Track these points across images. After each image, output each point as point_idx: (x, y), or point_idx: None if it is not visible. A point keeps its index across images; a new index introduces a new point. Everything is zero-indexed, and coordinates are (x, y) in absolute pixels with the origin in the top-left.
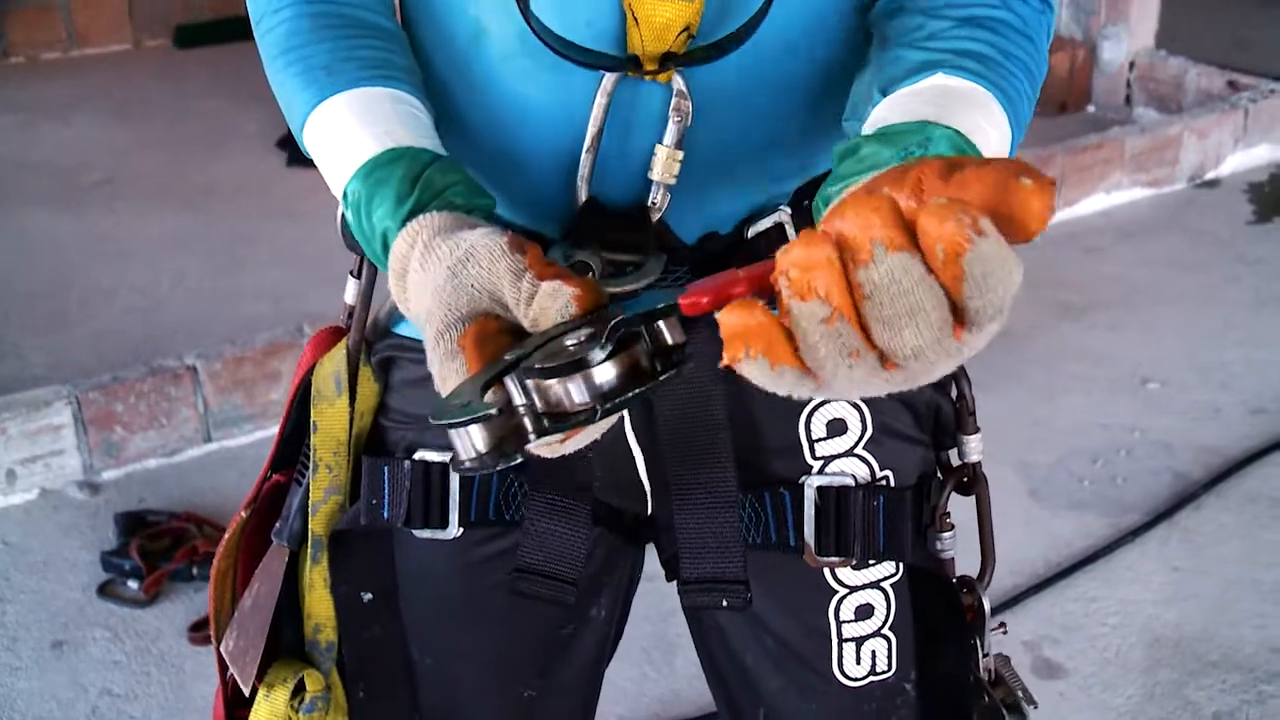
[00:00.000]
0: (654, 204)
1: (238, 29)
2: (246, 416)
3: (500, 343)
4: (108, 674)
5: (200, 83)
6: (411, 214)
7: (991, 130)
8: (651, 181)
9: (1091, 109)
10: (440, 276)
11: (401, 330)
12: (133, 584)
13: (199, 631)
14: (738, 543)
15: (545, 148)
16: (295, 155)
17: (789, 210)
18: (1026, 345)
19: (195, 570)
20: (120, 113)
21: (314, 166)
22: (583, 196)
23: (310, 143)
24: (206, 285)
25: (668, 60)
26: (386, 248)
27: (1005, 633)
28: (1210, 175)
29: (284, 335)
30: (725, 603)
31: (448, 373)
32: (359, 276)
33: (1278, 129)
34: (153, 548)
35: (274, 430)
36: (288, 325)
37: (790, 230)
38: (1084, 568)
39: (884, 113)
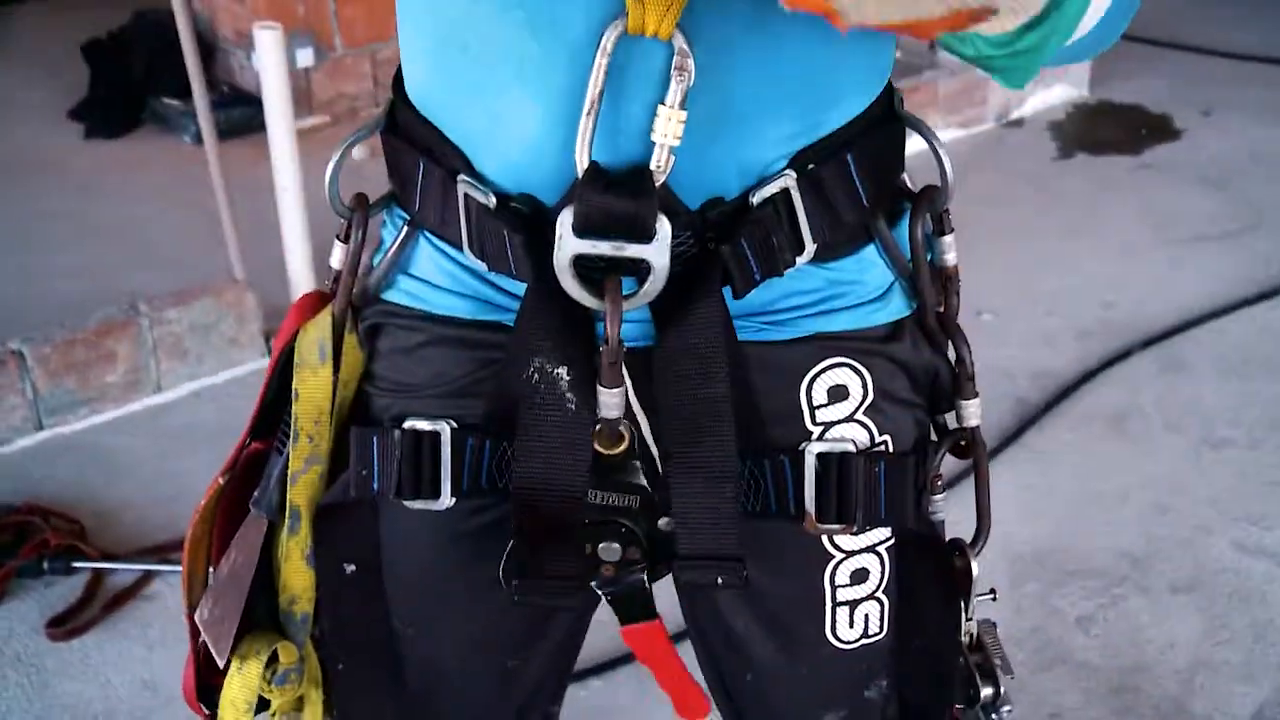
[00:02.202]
0: (658, 167)
1: None
2: (81, 401)
3: None
4: None
5: None
6: None
7: None
8: (653, 144)
9: (899, 54)
10: None
11: (390, 296)
12: None
13: (59, 627)
14: (735, 519)
15: (542, 111)
16: (93, 128)
17: (794, 175)
18: None
19: (47, 565)
20: None
21: (117, 136)
22: (583, 162)
23: None
24: (13, 267)
25: None
26: None
27: (995, 598)
28: (1015, 115)
29: (118, 314)
30: (720, 580)
31: None
32: (346, 241)
33: (1071, 70)
34: None
35: (111, 414)
36: (119, 304)
37: (796, 196)
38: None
39: None
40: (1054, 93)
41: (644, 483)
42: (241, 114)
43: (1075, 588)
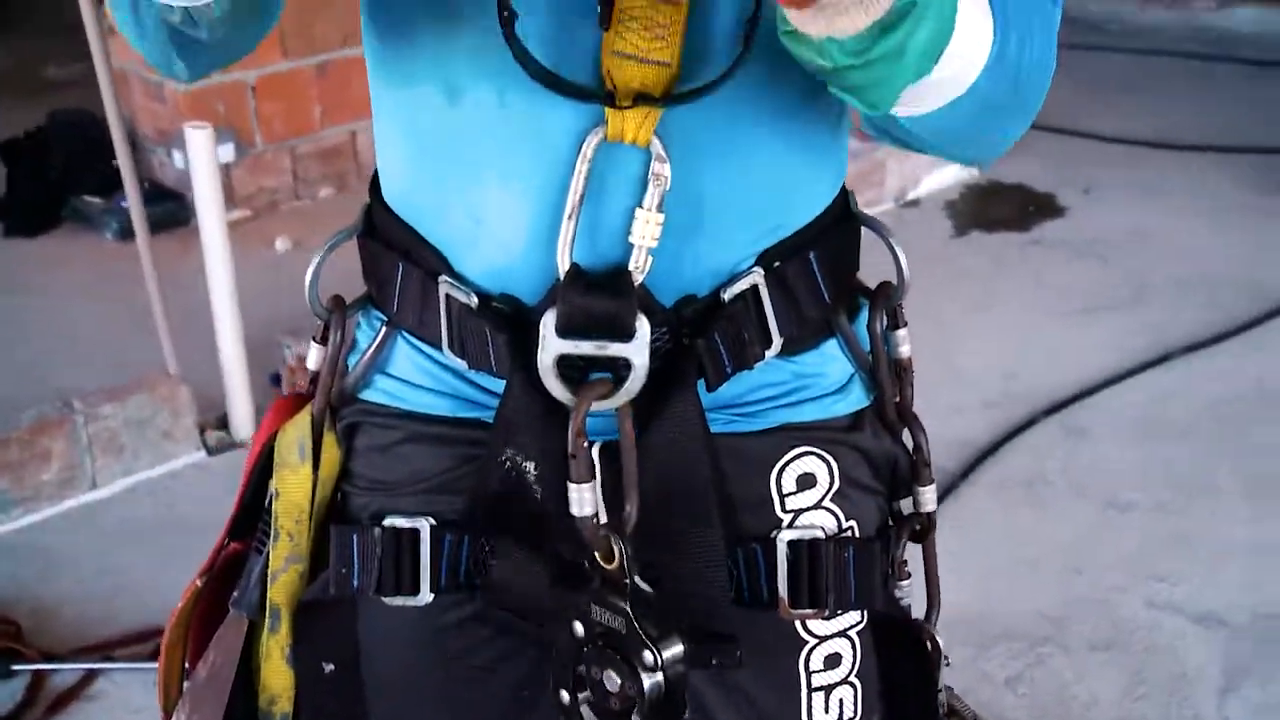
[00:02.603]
0: (636, 267)
1: None
2: (15, 501)
3: None
4: None
5: None
6: None
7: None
8: (631, 246)
9: None
10: None
11: (368, 396)
12: None
13: None
14: (727, 603)
15: (525, 214)
16: (12, 226)
17: (762, 273)
18: None
19: None
20: None
21: (37, 234)
22: (564, 264)
23: None
24: None
25: (640, 99)
26: None
27: (949, 665)
28: (912, 195)
29: (52, 412)
30: (716, 661)
31: None
32: (323, 343)
33: None
34: None
35: (46, 512)
36: (52, 401)
37: (764, 293)
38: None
39: None
40: (947, 173)
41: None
42: (165, 209)
43: (1001, 650)
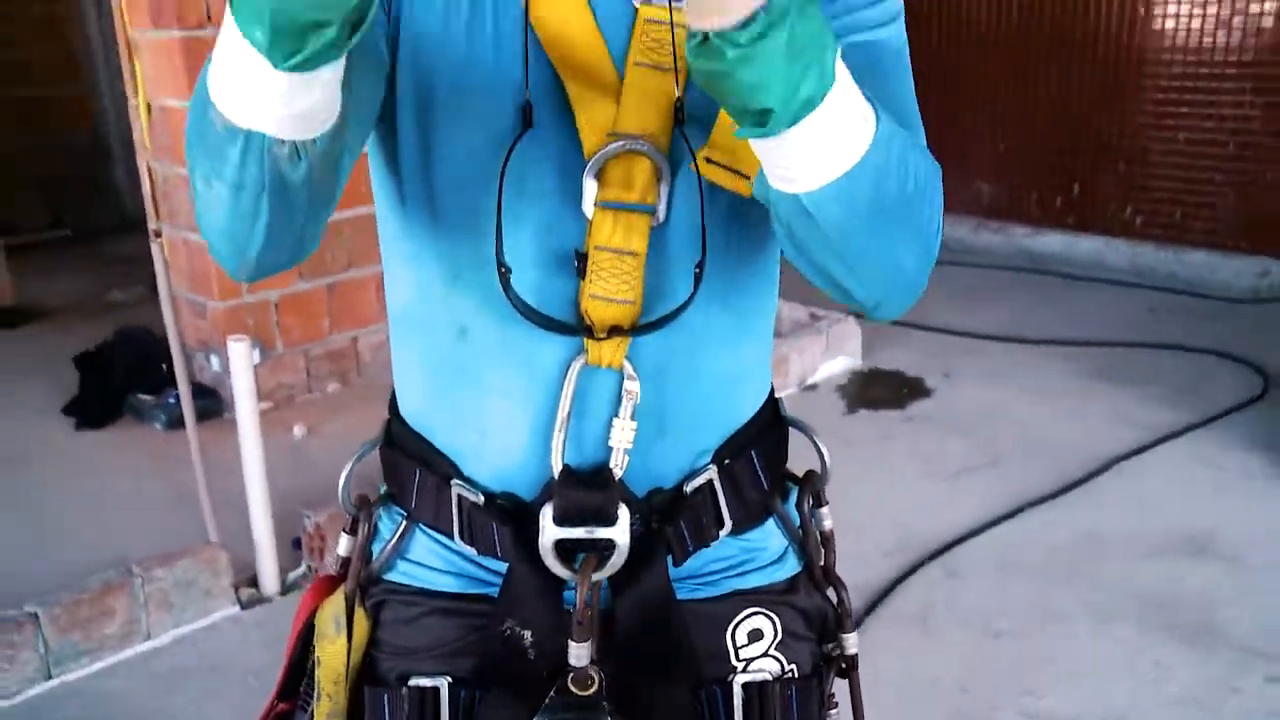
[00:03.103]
0: (616, 466)
1: (9, 319)
2: (84, 651)
3: None
4: None
5: None
6: None
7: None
8: (610, 449)
9: None
10: None
11: (391, 577)
12: None
13: None
14: None
15: (523, 428)
16: (83, 421)
17: (716, 469)
18: None
19: None
20: None
21: (101, 427)
22: (558, 467)
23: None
24: (26, 539)
25: (613, 331)
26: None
27: None
28: (811, 381)
29: (115, 576)
30: None
31: None
32: (352, 533)
33: (848, 344)
34: None
35: (109, 660)
36: (116, 567)
37: (718, 485)
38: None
39: None
40: (838, 363)
41: None
42: (204, 404)
43: None
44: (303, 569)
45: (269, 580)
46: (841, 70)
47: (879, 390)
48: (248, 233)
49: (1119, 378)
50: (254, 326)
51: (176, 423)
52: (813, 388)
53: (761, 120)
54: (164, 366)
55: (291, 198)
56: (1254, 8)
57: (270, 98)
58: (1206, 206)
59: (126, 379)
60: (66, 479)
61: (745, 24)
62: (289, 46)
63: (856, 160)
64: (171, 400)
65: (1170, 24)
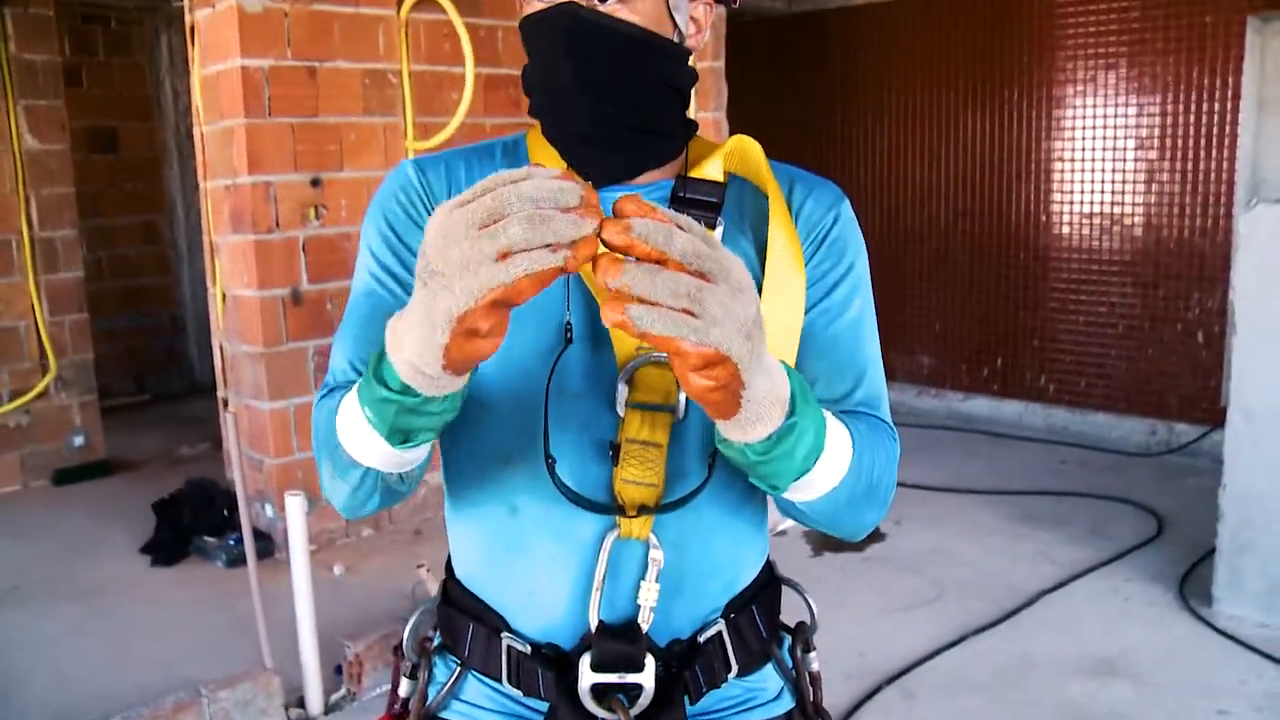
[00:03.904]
0: (643, 621)
1: (99, 470)
2: None
3: None
4: None
5: (75, 510)
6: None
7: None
8: (638, 606)
9: None
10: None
11: (446, 715)
12: None
13: None
14: None
15: (565, 590)
16: (156, 559)
17: (724, 621)
18: None
19: None
20: (20, 536)
21: (172, 564)
22: (594, 622)
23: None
24: (107, 661)
25: (641, 510)
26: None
27: None
28: (781, 528)
29: (186, 696)
30: None
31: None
32: (412, 677)
33: None
34: None
35: None
36: (187, 688)
37: (726, 637)
38: None
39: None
40: None
41: None
42: (259, 546)
43: None
44: (343, 691)
45: (314, 702)
46: (829, 428)
47: None
48: (360, 507)
49: (1040, 521)
50: (303, 479)
51: (235, 561)
52: (783, 533)
53: (773, 488)
54: (225, 512)
55: (396, 493)
56: (1127, 219)
57: (385, 455)
58: (1104, 377)
59: (193, 522)
60: (142, 609)
61: (767, 440)
62: (400, 440)
63: (837, 483)
64: (231, 541)
65: (1067, 229)
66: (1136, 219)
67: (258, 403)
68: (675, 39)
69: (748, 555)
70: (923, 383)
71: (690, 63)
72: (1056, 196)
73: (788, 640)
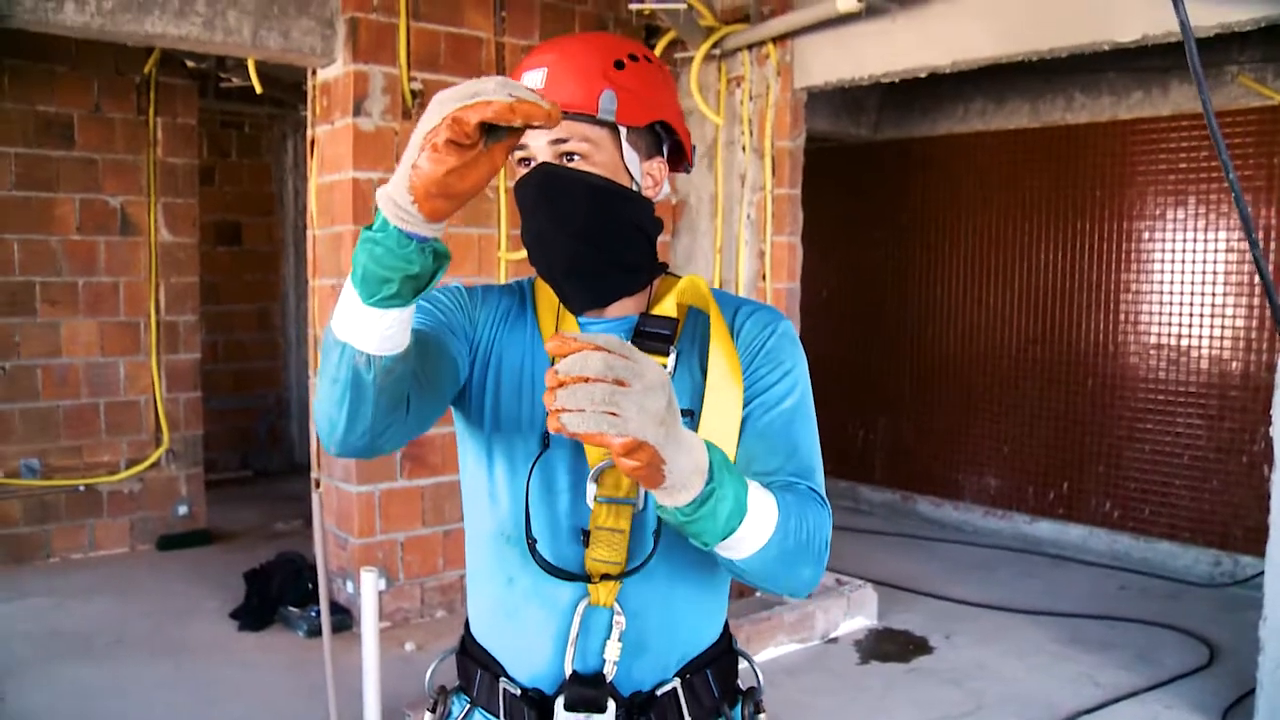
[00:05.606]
0: (609, 673)
1: (199, 539)
2: None
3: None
4: None
5: (175, 574)
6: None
7: (764, 502)
8: (604, 660)
9: (759, 593)
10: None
11: None
12: None
13: None
14: None
15: (546, 645)
16: (244, 624)
17: (680, 681)
18: None
19: None
20: (124, 594)
21: (258, 630)
22: (568, 672)
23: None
24: (189, 715)
25: (604, 578)
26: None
27: None
28: (833, 635)
29: None
30: None
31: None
32: (434, 712)
33: (866, 607)
34: None
35: None
36: None
37: (681, 695)
38: None
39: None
40: (856, 621)
41: None
42: (338, 619)
43: None
44: None
45: None
46: (752, 495)
47: (889, 645)
48: (336, 414)
49: (1089, 644)
50: (383, 559)
51: (315, 631)
52: (834, 640)
53: (705, 545)
54: (310, 585)
55: (363, 394)
56: (1194, 351)
57: (359, 320)
58: (1169, 505)
59: (280, 593)
60: (226, 669)
61: (692, 503)
62: (369, 291)
63: (765, 541)
64: (313, 613)
65: (1135, 358)
66: (1204, 351)
67: (346, 485)
68: (634, 188)
69: (703, 624)
70: (989, 503)
71: (654, 213)
72: (1126, 326)
73: (739, 702)
